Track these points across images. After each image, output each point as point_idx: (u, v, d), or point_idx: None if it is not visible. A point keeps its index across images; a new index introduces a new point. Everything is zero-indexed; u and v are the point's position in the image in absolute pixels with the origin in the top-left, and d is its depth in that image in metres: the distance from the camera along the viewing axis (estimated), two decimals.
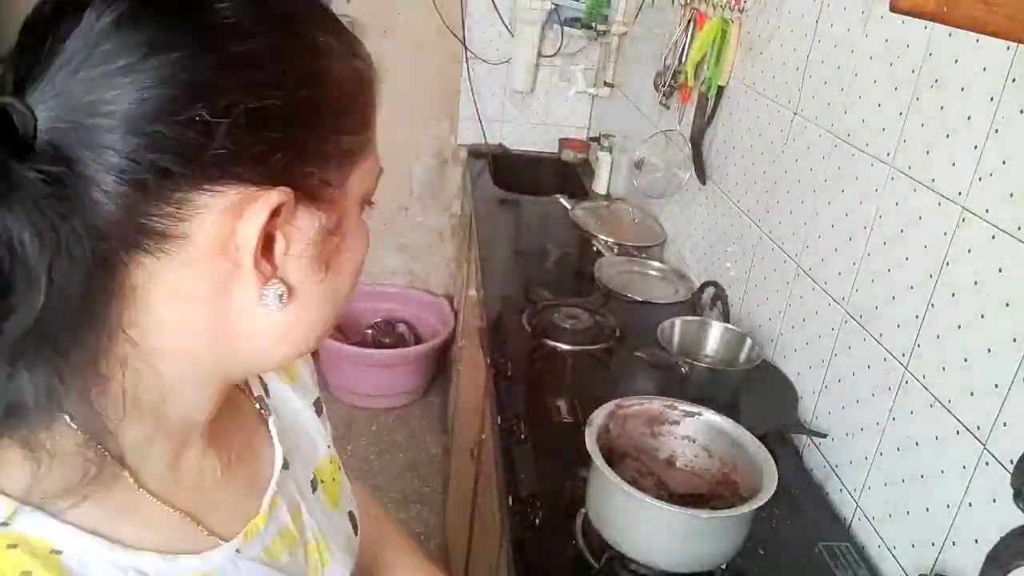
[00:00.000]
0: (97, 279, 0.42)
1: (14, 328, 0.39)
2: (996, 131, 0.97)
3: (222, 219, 0.44)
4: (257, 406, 0.65)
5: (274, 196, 0.44)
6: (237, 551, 0.54)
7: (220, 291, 0.46)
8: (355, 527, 0.74)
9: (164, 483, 0.51)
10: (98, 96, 0.40)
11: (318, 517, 0.65)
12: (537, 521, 1.11)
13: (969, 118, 1.02)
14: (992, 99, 0.97)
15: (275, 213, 0.45)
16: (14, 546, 0.42)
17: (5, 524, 0.43)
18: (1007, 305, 0.93)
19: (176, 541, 0.50)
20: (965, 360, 1.00)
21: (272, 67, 0.44)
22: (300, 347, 0.53)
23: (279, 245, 0.46)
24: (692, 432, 1.12)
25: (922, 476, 1.06)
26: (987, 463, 0.94)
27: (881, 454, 1.16)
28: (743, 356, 1.43)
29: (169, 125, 0.41)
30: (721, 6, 1.79)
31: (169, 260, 0.44)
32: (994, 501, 0.93)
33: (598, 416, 1.06)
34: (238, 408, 0.62)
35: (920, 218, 1.11)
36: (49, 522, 0.44)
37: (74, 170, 0.40)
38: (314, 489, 0.68)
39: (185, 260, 0.44)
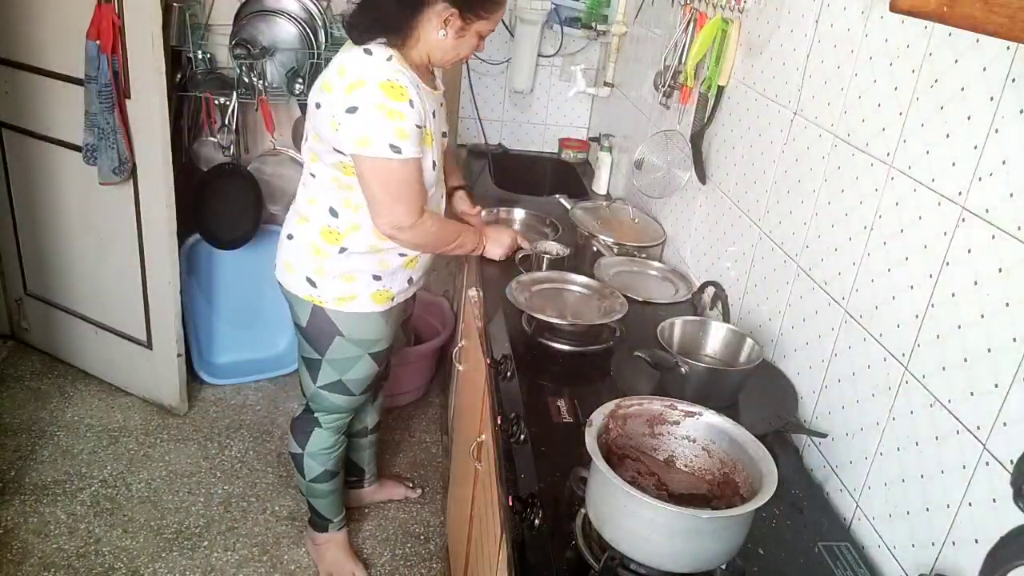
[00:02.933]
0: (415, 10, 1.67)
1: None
2: (996, 131, 0.97)
3: (441, 8, 1.66)
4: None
5: (452, 9, 1.65)
6: (435, 96, 1.82)
7: (433, 26, 1.68)
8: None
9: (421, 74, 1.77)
10: None
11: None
12: (537, 521, 1.11)
13: (969, 118, 1.02)
14: (992, 99, 0.97)
15: (451, 14, 1.66)
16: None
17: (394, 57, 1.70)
18: (1007, 305, 0.93)
19: (425, 83, 1.78)
20: (965, 360, 1.00)
21: None
22: (444, 57, 1.75)
23: (448, 23, 1.68)
24: (692, 432, 1.12)
25: (922, 476, 1.06)
26: (987, 463, 0.94)
27: (881, 454, 1.16)
28: (743, 356, 1.43)
29: None
30: (721, 6, 1.79)
31: (430, 9, 1.66)
32: (994, 501, 0.93)
33: (598, 416, 1.06)
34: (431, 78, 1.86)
35: (920, 218, 1.11)
36: (402, 59, 1.72)
37: None
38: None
39: (430, 14, 1.67)
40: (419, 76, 1.71)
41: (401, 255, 1.84)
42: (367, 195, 1.69)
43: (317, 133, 1.71)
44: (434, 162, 1.75)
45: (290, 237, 1.86)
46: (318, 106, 1.68)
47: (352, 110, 1.60)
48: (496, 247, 1.98)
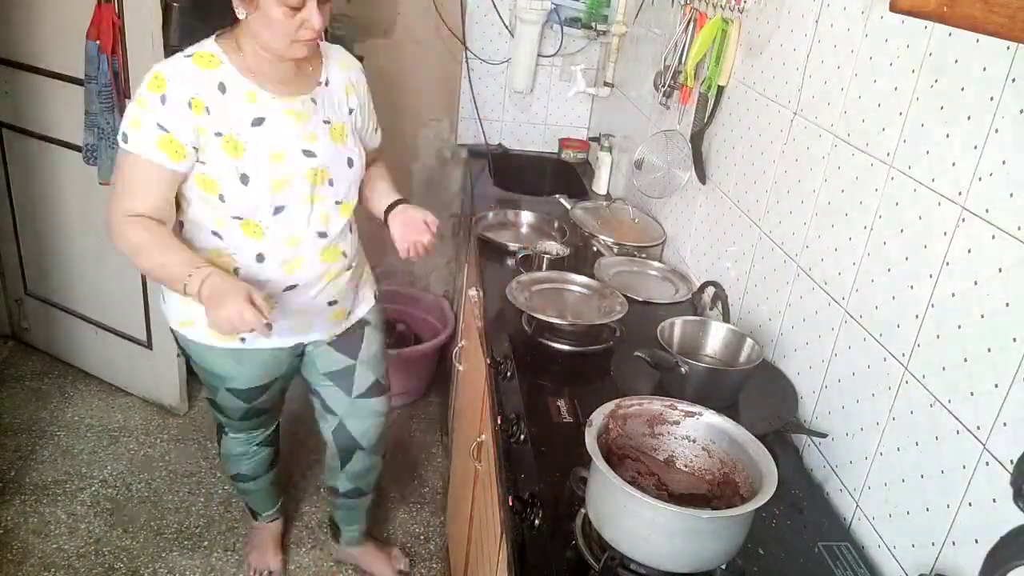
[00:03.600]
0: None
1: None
2: (996, 131, 0.97)
3: None
4: (317, 77, 1.59)
5: None
6: (314, 100, 1.56)
7: (237, 7, 1.43)
8: (350, 162, 1.63)
9: (260, 74, 1.51)
10: None
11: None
12: (537, 521, 1.11)
13: (969, 118, 1.02)
14: (992, 99, 0.97)
15: None
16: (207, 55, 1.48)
17: (210, 50, 1.47)
18: (1007, 305, 0.93)
19: (269, 87, 1.49)
20: (965, 360, 1.00)
21: None
22: (270, 44, 1.44)
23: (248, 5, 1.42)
24: (692, 432, 1.12)
25: (922, 476, 1.06)
26: (987, 463, 0.94)
27: (881, 454, 1.16)
28: (743, 356, 1.43)
29: None
30: (721, 6, 1.79)
31: None
32: (994, 501, 0.93)
33: (598, 416, 1.06)
34: (304, 73, 1.57)
35: (920, 218, 1.11)
36: (225, 56, 1.47)
37: None
38: (328, 123, 1.59)
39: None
40: (266, 76, 1.48)
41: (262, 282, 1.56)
42: None
43: None
44: (244, 175, 1.47)
45: None
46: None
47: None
48: (217, 308, 1.36)
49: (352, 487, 2.06)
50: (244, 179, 1.47)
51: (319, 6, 1.41)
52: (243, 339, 1.62)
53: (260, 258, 1.56)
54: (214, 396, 1.82)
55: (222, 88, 1.44)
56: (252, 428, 1.97)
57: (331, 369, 1.84)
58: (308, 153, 1.53)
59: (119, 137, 1.42)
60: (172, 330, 1.70)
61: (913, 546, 1.07)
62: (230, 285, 1.38)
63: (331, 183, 1.59)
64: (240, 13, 1.41)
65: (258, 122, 1.48)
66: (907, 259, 1.13)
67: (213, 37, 1.48)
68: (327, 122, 1.58)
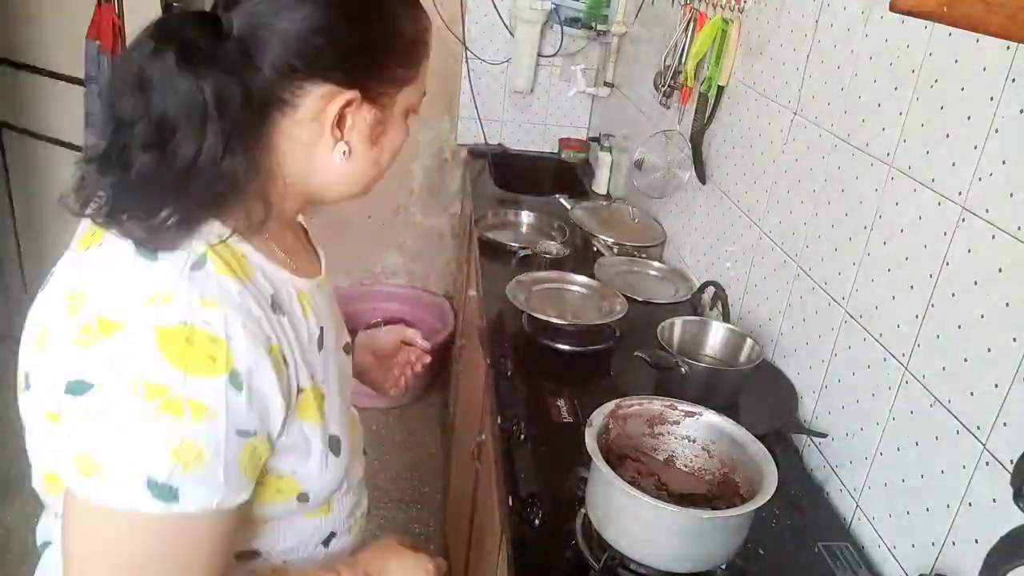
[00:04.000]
0: (253, 125, 0.72)
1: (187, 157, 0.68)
2: (996, 131, 0.97)
3: (320, 101, 0.74)
4: (316, 250, 0.97)
5: (348, 94, 0.75)
6: (318, 284, 0.87)
7: (314, 144, 0.76)
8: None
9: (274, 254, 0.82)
10: (275, 16, 0.70)
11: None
12: (537, 521, 1.11)
13: (969, 118, 1.02)
14: (992, 99, 0.97)
15: (348, 104, 0.75)
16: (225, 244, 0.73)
17: (219, 236, 0.73)
18: (1007, 305, 0.93)
19: (296, 270, 0.83)
20: (965, 360, 0.99)
21: (364, 21, 0.75)
22: (352, 190, 0.83)
23: (348, 122, 0.77)
24: (692, 432, 1.12)
25: (922, 476, 1.06)
26: (987, 463, 0.94)
27: (881, 454, 1.16)
28: (743, 356, 1.43)
29: (309, 42, 0.71)
30: (721, 6, 1.79)
31: (291, 118, 0.74)
32: (994, 501, 0.93)
33: (598, 416, 1.06)
34: (304, 240, 0.96)
35: (920, 218, 1.11)
36: (243, 245, 0.76)
37: (251, 54, 0.70)
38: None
39: (298, 120, 0.74)
40: (276, 258, 0.81)
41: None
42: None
43: (31, 445, 0.85)
44: (332, 437, 0.84)
45: (47, 544, 0.92)
46: (27, 384, 0.78)
47: (86, 388, 0.67)
48: None
49: None
50: (336, 446, 0.85)
51: None
52: None
53: (328, 540, 0.93)
54: None
55: (276, 306, 0.77)
56: None
57: None
58: (347, 349, 0.98)
59: (141, 490, 0.66)
60: None
61: (913, 546, 1.07)
62: (395, 552, 0.95)
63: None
64: (336, 155, 0.77)
65: (321, 342, 0.84)
66: (907, 259, 1.13)
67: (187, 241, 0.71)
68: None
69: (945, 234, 1.05)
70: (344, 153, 0.77)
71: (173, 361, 0.65)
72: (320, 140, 0.76)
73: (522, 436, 1.31)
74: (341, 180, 0.81)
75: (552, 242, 2.05)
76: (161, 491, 0.65)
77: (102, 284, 0.70)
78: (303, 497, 0.83)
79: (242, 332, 0.69)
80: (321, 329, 0.84)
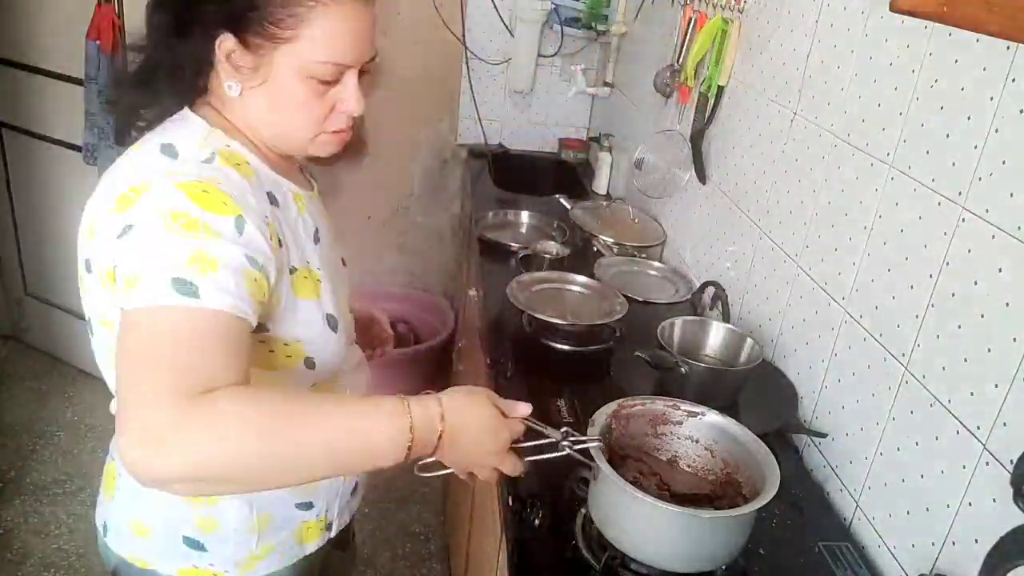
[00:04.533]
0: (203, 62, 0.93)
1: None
2: (996, 131, 0.97)
3: (220, 47, 0.90)
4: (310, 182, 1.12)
5: (225, 37, 0.90)
6: (310, 196, 1.06)
7: (224, 80, 0.93)
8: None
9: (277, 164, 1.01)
10: None
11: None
12: (537, 521, 1.11)
13: (969, 118, 1.02)
14: (992, 99, 0.97)
15: (231, 48, 0.90)
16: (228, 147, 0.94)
17: (228, 145, 0.94)
18: (1007, 305, 0.93)
19: (293, 182, 1.02)
20: (965, 360, 1.00)
21: None
22: (293, 142, 0.99)
23: (235, 62, 0.91)
24: (695, 432, 1.12)
25: (922, 476, 1.06)
26: (987, 463, 0.94)
27: (881, 454, 1.16)
28: (743, 356, 1.43)
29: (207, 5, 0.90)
30: (721, 6, 1.79)
31: (217, 59, 0.92)
32: (994, 501, 0.93)
33: (600, 416, 1.06)
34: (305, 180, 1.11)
35: (920, 218, 1.11)
36: (246, 153, 0.95)
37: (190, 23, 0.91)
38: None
39: (217, 60, 0.92)
40: (281, 165, 1.01)
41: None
42: (117, 385, 0.80)
43: (102, 316, 0.98)
44: (329, 316, 1.00)
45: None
46: (88, 268, 0.98)
47: (127, 229, 0.84)
48: (475, 454, 0.91)
49: None
50: (333, 323, 1.01)
51: (359, 79, 0.96)
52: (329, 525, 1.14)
53: None
54: None
55: (272, 199, 0.95)
56: None
57: None
58: (344, 261, 1.15)
59: (160, 290, 0.79)
60: None
61: (913, 546, 1.07)
62: (479, 407, 0.91)
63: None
64: (231, 90, 0.93)
65: (316, 236, 1.03)
66: (907, 259, 1.13)
67: (190, 117, 0.95)
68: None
69: (945, 234, 1.05)
70: (230, 88, 0.93)
71: (193, 199, 0.83)
72: (226, 78, 0.93)
73: (522, 436, 1.30)
74: (251, 120, 0.97)
75: (552, 242, 2.05)
76: (184, 287, 0.79)
77: (132, 173, 0.90)
78: (309, 363, 0.99)
79: (244, 203, 0.87)
80: (317, 228, 1.03)
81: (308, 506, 1.08)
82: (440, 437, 0.85)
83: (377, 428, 0.81)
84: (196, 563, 1.03)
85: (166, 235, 0.81)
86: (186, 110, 0.96)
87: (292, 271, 0.95)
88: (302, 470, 0.80)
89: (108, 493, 1.08)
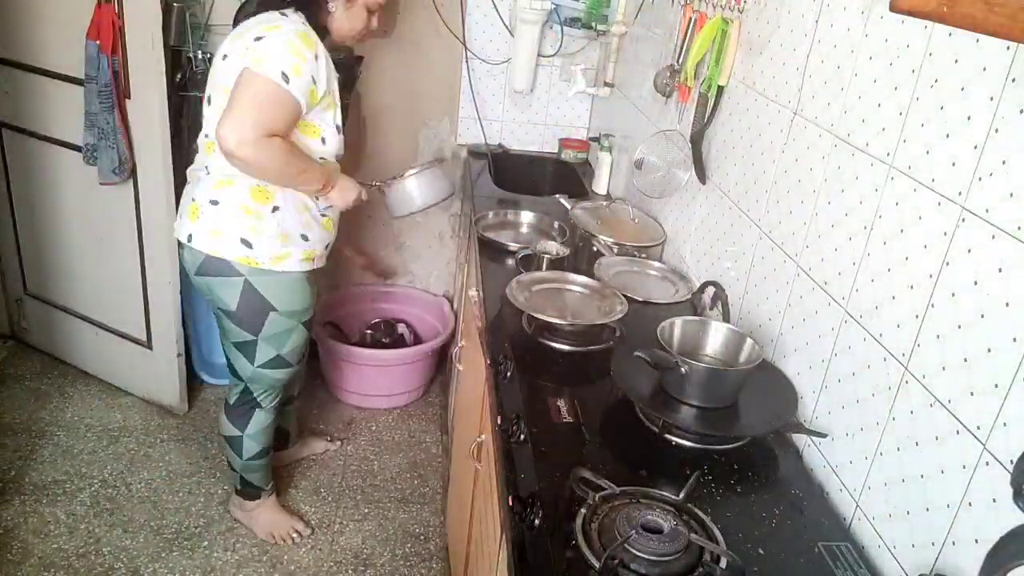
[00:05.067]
0: None
1: None
2: (996, 131, 0.97)
3: None
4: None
5: None
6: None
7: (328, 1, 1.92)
8: None
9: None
10: None
11: None
12: (537, 521, 1.11)
13: (969, 118, 1.02)
14: (992, 99, 0.97)
15: None
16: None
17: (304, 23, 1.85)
18: (1007, 305, 0.93)
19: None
20: (965, 360, 1.00)
21: None
22: (344, 33, 1.97)
23: None
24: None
25: (922, 476, 1.06)
26: (987, 463, 0.94)
27: (881, 454, 1.16)
28: (743, 356, 1.43)
29: None
30: (721, 6, 1.79)
31: None
32: (994, 501, 0.93)
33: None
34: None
35: (920, 218, 1.11)
36: (312, 32, 1.85)
37: None
38: None
39: None
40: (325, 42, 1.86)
41: (322, 215, 1.97)
42: (229, 102, 1.69)
43: (225, 87, 1.74)
44: (338, 126, 1.90)
45: (214, 203, 1.87)
46: (225, 57, 1.78)
47: (259, 39, 1.71)
48: (340, 197, 1.96)
49: (302, 384, 2.50)
50: (338, 129, 1.92)
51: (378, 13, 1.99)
52: (314, 259, 2.00)
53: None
54: (284, 347, 2.05)
55: (325, 56, 1.81)
56: (292, 381, 2.27)
57: None
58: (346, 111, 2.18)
59: (274, 73, 1.68)
60: (251, 290, 1.92)
61: (913, 546, 1.07)
62: (344, 180, 1.96)
63: None
64: (333, 7, 1.88)
65: (338, 84, 1.92)
66: (907, 259, 1.13)
67: (293, 15, 1.80)
68: None
69: (945, 234, 1.05)
70: (332, 8, 1.90)
71: (299, 36, 1.74)
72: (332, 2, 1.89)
73: (522, 436, 1.31)
74: (334, 24, 1.93)
75: (552, 242, 2.05)
76: (284, 78, 1.70)
77: (264, 24, 1.77)
78: (324, 141, 1.89)
79: (319, 48, 1.78)
80: (338, 78, 1.90)
81: (305, 238, 1.93)
82: (329, 184, 1.91)
83: (315, 178, 1.87)
84: (248, 254, 1.88)
85: (285, 48, 1.71)
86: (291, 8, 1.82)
87: (325, 94, 1.81)
88: (292, 182, 1.85)
89: (192, 218, 1.89)
